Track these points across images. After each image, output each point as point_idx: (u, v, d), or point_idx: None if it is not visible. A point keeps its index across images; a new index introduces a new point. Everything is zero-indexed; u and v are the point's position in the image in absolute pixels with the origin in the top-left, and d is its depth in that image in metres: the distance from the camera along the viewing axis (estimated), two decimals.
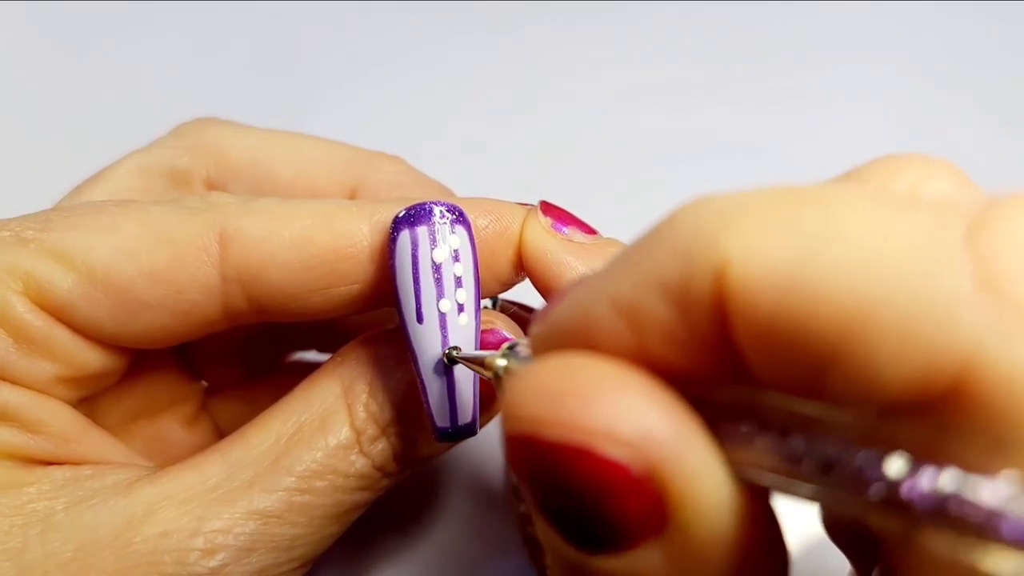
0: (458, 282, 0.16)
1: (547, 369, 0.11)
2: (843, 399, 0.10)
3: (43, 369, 0.18)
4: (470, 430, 0.17)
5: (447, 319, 0.16)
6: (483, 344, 0.19)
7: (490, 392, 0.18)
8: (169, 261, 0.18)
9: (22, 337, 0.17)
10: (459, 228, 0.17)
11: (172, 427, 0.23)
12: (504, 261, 0.19)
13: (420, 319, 0.16)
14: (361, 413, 0.18)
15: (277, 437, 0.18)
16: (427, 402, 0.17)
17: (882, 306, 0.09)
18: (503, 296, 0.21)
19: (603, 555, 0.11)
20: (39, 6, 0.44)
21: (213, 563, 0.16)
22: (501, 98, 0.41)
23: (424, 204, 0.17)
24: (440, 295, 0.16)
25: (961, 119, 0.39)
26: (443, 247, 0.16)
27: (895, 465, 0.09)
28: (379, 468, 0.19)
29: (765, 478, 0.11)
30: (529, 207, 0.19)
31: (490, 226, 0.18)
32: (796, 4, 0.45)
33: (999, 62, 0.42)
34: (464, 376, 0.17)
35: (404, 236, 0.16)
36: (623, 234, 0.35)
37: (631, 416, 0.10)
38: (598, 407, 0.10)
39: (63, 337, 0.18)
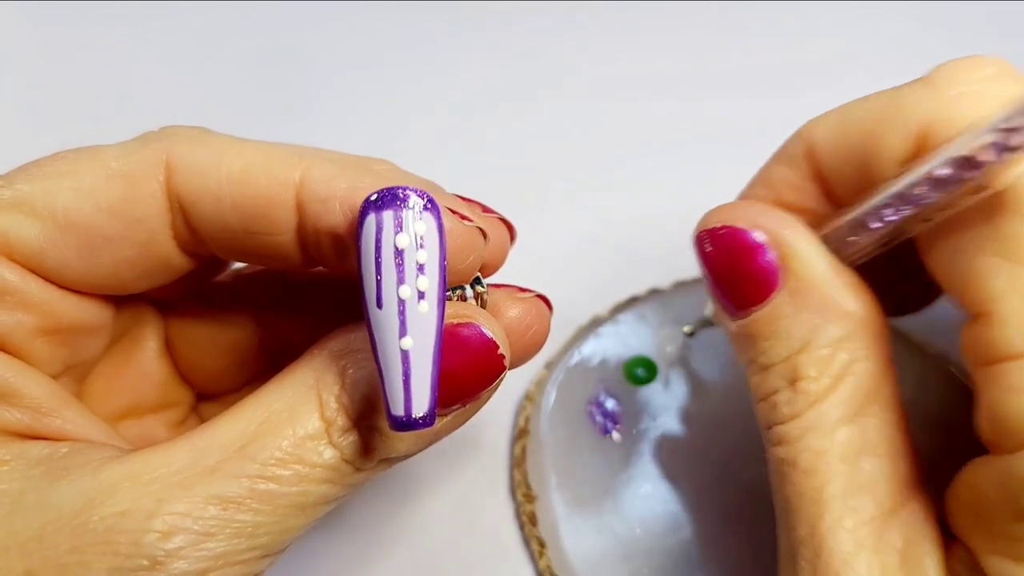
0: (420, 269, 0.16)
1: (730, 205, 0.22)
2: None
3: (20, 321, 0.18)
4: (426, 421, 0.16)
5: (406, 306, 0.16)
6: (460, 339, 0.18)
7: (450, 384, 0.18)
8: (123, 192, 0.18)
9: None
10: (427, 215, 0.16)
11: (158, 428, 0.23)
12: (478, 260, 0.19)
13: (380, 304, 0.16)
14: (332, 404, 0.18)
15: (246, 425, 0.18)
16: (384, 390, 0.17)
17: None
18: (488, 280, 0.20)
19: (750, 310, 0.20)
20: (39, 6, 0.45)
21: (170, 546, 0.16)
22: (496, 97, 0.41)
23: (394, 189, 0.16)
24: (400, 281, 0.16)
25: None
26: (408, 233, 0.16)
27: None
28: (349, 461, 0.18)
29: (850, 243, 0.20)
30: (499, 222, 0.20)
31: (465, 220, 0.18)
32: (791, 4, 0.44)
33: None
34: (421, 365, 0.16)
35: (370, 220, 0.16)
36: (617, 227, 0.35)
37: (766, 218, 0.20)
38: (751, 214, 0.21)
39: (36, 287, 0.18)
